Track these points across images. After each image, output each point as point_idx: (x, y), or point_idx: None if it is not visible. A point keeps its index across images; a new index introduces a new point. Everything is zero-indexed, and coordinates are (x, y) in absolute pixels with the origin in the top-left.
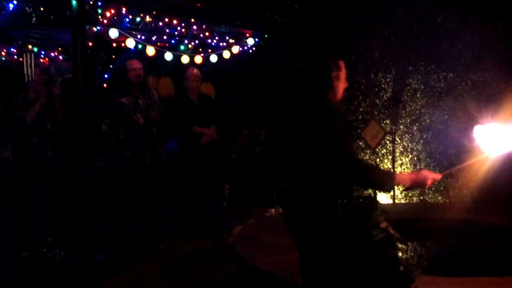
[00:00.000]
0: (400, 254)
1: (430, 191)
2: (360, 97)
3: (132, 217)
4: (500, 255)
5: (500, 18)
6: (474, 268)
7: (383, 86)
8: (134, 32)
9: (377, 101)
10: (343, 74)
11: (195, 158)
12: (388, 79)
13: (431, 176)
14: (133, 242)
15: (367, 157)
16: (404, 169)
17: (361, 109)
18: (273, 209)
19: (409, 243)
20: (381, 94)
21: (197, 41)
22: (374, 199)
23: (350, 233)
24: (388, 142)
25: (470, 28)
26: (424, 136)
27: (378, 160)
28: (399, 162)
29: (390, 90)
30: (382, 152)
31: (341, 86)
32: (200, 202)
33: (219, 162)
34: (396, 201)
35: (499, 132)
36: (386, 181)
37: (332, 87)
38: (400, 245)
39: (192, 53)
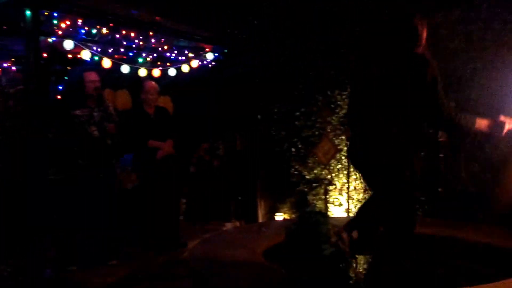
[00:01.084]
0: (351, 268)
1: None
2: (317, 113)
3: (84, 232)
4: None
5: None
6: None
7: (339, 102)
8: (90, 44)
9: (333, 118)
10: None
11: (150, 172)
12: (344, 96)
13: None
14: (84, 258)
15: (322, 172)
16: (358, 183)
17: (317, 125)
18: (229, 223)
19: (362, 257)
20: (337, 110)
21: (155, 54)
22: (325, 214)
23: (301, 248)
24: (343, 157)
25: None
26: None
27: (333, 175)
28: (353, 177)
29: (346, 106)
30: (338, 167)
31: None
32: (156, 216)
33: (176, 176)
34: (351, 214)
35: None
36: (470, 125)
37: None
38: (351, 260)
39: (150, 66)
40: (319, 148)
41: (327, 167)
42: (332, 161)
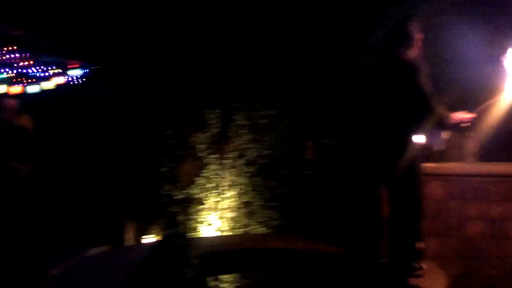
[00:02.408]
0: None
1: (254, 222)
2: (188, 133)
3: None
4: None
5: None
6: None
7: (210, 121)
8: None
9: (205, 136)
10: None
11: (6, 196)
12: (215, 115)
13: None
14: None
15: (193, 192)
16: (230, 202)
17: (190, 144)
18: (95, 248)
19: (227, 276)
20: (209, 129)
21: (18, 70)
22: (190, 238)
23: (164, 272)
24: (215, 176)
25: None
26: (249, 170)
27: (204, 193)
28: (226, 195)
29: (217, 125)
30: (210, 185)
31: None
32: (14, 243)
33: (36, 200)
34: (222, 233)
35: None
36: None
37: None
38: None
39: (11, 83)
40: (181, 168)
41: (198, 187)
42: (203, 180)
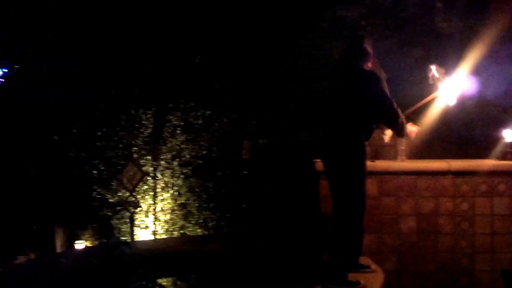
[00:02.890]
0: None
1: (190, 224)
2: (120, 133)
3: None
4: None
5: None
6: None
7: (143, 122)
8: None
9: (138, 138)
10: None
11: None
12: (149, 115)
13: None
14: None
15: (127, 194)
16: (165, 204)
17: (121, 145)
18: (22, 256)
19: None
20: (142, 130)
21: None
22: (130, 244)
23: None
24: (149, 178)
25: None
26: (184, 171)
27: (139, 196)
28: (160, 197)
29: (151, 126)
30: (144, 188)
31: None
32: None
33: None
34: (157, 236)
35: None
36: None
37: None
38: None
39: None
40: (124, 174)
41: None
42: None
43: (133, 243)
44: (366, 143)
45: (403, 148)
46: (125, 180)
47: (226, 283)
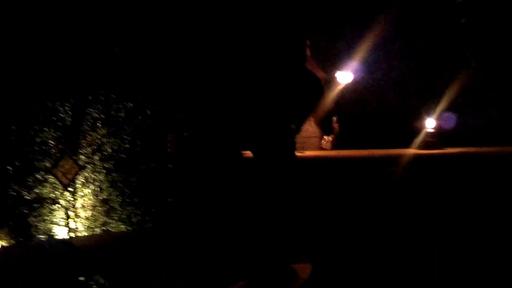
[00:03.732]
0: None
1: (113, 220)
2: (37, 127)
3: None
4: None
5: None
6: None
7: (61, 115)
8: None
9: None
10: None
11: None
12: (67, 108)
13: None
14: None
15: (45, 191)
16: (85, 200)
17: (37, 140)
18: None
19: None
20: (60, 123)
21: None
22: (69, 242)
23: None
24: None
25: None
26: (106, 166)
27: (57, 193)
28: (80, 193)
29: (70, 119)
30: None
31: None
32: None
33: None
34: (78, 234)
35: None
36: None
37: None
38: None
39: None
40: (58, 167)
41: (50, 185)
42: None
43: (71, 240)
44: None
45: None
46: (59, 174)
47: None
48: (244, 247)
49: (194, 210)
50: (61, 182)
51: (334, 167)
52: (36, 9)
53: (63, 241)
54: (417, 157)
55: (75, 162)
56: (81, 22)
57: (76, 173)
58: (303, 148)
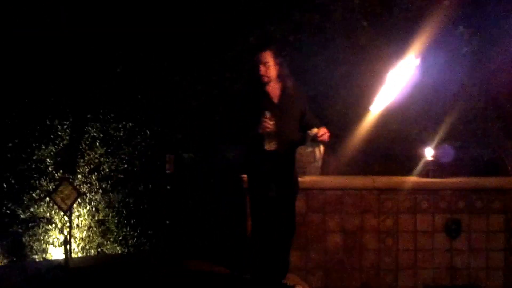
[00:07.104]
0: None
1: (109, 242)
2: (34, 145)
3: None
4: None
5: None
6: None
7: (59, 133)
8: None
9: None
10: None
11: None
12: (66, 126)
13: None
14: None
15: (40, 210)
16: (81, 221)
17: (34, 157)
18: None
19: None
20: (58, 141)
21: None
22: (64, 266)
23: None
24: None
25: None
26: (104, 185)
27: (53, 212)
28: (76, 213)
29: (68, 137)
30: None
31: None
32: None
33: None
34: (73, 255)
35: None
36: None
37: None
38: None
39: None
40: (57, 193)
41: (45, 204)
42: None
43: (65, 263)
44: None
45: (330, 164)
46: (58, 200)
47: None
48: (240, 272)
49: (191, 232)
50: (60, 208)
51: None
52: (32, 23)
53: (58, 266)
54: None
55: (74, 188)
56: (83, 40)
57: (76, 199)
58: (303, 174)
